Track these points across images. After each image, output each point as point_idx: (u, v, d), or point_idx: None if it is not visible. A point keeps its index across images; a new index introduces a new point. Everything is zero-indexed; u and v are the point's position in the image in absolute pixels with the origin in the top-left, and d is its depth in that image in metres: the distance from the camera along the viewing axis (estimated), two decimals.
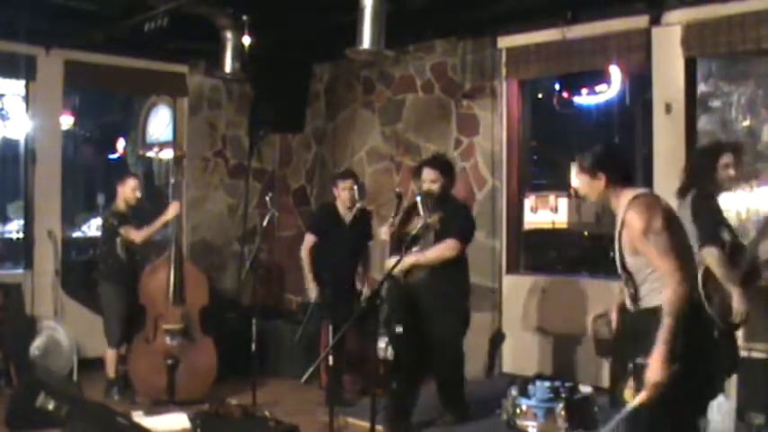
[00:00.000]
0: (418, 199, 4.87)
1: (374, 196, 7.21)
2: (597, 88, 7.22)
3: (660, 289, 3.15)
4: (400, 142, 7.70)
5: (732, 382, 4.68)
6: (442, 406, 5.48)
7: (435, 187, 5.15)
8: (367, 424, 4.31)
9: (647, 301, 3.22)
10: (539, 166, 9.35)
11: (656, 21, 6.04)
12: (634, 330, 3.32)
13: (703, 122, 6.38)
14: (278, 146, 8.85)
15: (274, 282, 8.48)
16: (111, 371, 6.23)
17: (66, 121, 9.48)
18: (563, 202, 9.50)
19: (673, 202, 3.44)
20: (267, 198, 6.37)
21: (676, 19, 5.95)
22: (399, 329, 4.74)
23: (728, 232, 4.45)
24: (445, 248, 5.10)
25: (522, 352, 6.82)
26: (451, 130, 7.32)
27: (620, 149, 3.50)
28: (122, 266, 6.25)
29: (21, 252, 7.55)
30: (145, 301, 6.20)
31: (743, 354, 4.70)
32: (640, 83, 7.06)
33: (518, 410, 4.95)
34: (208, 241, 8.30)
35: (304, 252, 6.23)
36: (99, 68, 7.51)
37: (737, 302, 4.23)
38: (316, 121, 8.46)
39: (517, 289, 6.93)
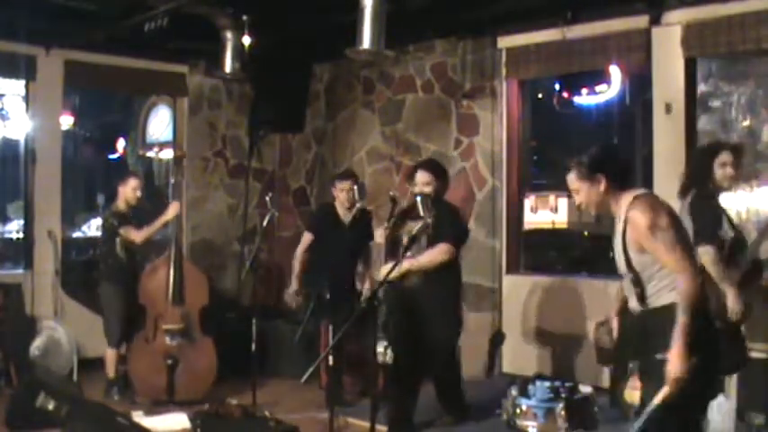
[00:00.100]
0: (418, 199, 4.86)
1: (374, 196, 7.21)
2: (597, 88, 7.22)
3: (669, 287, 3.16)
4: (400, 142, 7.70)
5: (732, 382, 4.68)
6: (442, 408, 5.48)
7: (428, 190, 5.13)
8: (367, 424, 4.31)
9: (656, 300, 3.22)
10: (539, 166, 9.35)
11: (656, 21, 6.04)
12: (643, 330, 3.30)
13: (703, 122, 6.39)
14: (278, 146, 8.85)
15: (274, 282, 8.47)
16: (111, 371, 6.23)
17: (66, 121, 9.48)
18: (563, 202, 9.50)
19: (673, 203, 3.44)
20: (267, 198, 6.37)
21: (676, 19, 5.95)
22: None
23: (732, 229, 4.45)
24: (438, 253, 5.09)
25: (522, 352, 6.82)
26: (451, 130, 7.32)
27: (615, 149, 3.50)
28: (122, 266, 6.25)
29: (21, 252, 7.56)
30: (145, 300, 6.20)
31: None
32: (640, 83, 7.06)
33: (518, 410, 4.95)
34: (208, 241, 8.30)
35: (299, 250, 6.31)
36: (99, 68, 7.51)
37: (732, 302, 4.23)
38: (316, 121, 8.46)
39: (517, 289, 6.93)
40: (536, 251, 7.82)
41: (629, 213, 3.21)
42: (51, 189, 7.33)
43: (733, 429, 4.71)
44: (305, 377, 4.45)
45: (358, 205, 6.17)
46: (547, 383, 4.99)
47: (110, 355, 6.22)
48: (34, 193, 7.26)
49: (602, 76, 7.07)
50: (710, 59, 6.27)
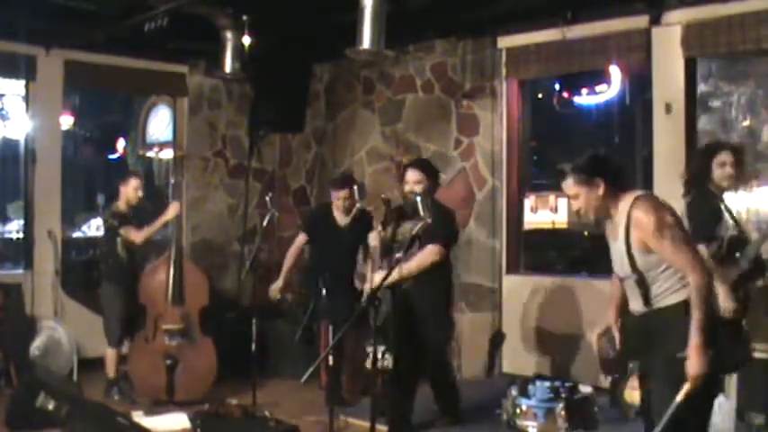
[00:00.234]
0: (418, 199, 4.84)
1: (374, 196, 7.20)
2: (597, 88, 7.22)
3: (674, 287, 3.17)
4: (400, 142, 7.70)
5: (732, 382, 4.67)
6: (439, 409, 5.47)
7: (419, 189, 5.07)
8: (367, 424, 4.31)
9: (662, 300, 3.22)
10: (539, 166, 9.33)
11: (656, 21, 6.04)
12: (645, 330, 3.30)
13: (703, 122, 6.39)
14: (278, 146, 8.85)
15: (274, 282, 8.47)
16: (111, 371, 6.23)
17: (66, 121, 9.47)
18: (563, 202, 9.48)
19: (674, 203, 3.44)
20: (267, 198, 6.37)
21: (676, 19, 5.95)
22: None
23: (733, 228, 4.45)
24: (428, 255, 5.05)
25: (522, 352, 6.82)
26: (451, 130, 7.32)
27: (608, 154, 3.53)
28: (123, 266, 6.25)
29: (21, 252, 7.56)
30: (145, 300, 6.20)
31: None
32: (640, 83, 7.06)
33: (518, 410, 4.95)
34: (208, 241, 8.30)
35: (291, 249, 6.35)
36: (99, 68, 7.51)
37: (723, 300, 4.23)
38: (316, 121, 8.45)
39: (517, 289, 6.93)
40: (536, 251, 7.81)
41: (632, 214, 3.21)
42: (51, 189, 7.32)
43: (733, 429, 4.70)
44: (305, 377, 4.45)
45: (358, 205, 6.16)
46: (547, 383, 4.99)
47: (110, 354, 6.22)
48: (34, 193, 7.26)
49: (602, 76, 7.07)
50: (710, 59, 6.28)
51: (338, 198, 6.12)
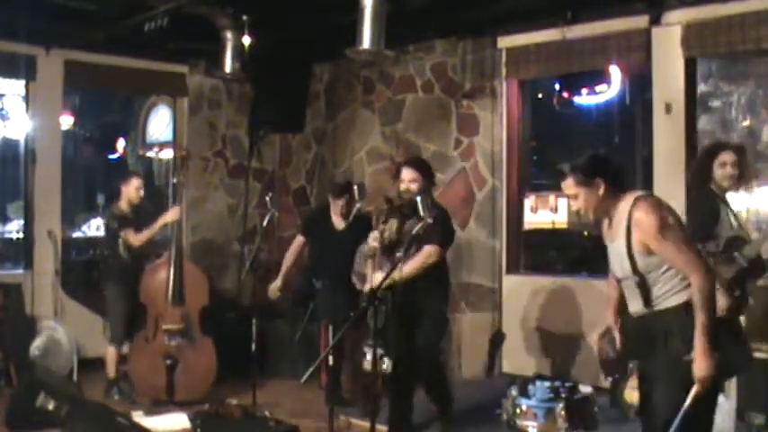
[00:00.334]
0: (418, 199, 4.82)
1: (374, 196, 7.20)
2: (597, 88, 7.22)
3: (675, 289, 3.16)
4: (400, 142, 7.69)
5: (732, 383, 4.68)
6: (438, 411, 5.45)
7: (414, 187, 5.06)
8: (367, 424, 4.31)
9: (663, 302, 3.20)
10: (539, 166, 9.34)
11: (656, 21, 6.04)
12: (646, 331, 3.28)
13: (703, 122, 6.39)
14: (278, 146, 8.85)
15: (273, 282, 8.48)
16: (111, 370, 6.23)
17: (66, 121, 9.48)
18: (563, 202, 9.48)
19: (672, 203, 3.43)
20: (267, 198, 6.38)
21: (676, 19, 5.95)
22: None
23: (735, 227, 4.45)
24: (425, 257, 5.03)
25: (522, 352, 6.82)
26: (451, 130, 7.32)
27: (608, 154, 3.52)
28: (125, 267, 6.26)
29: (21, 252, 7.56)
30: (145, 300, 6.21)
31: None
32: (640, 83, 7.06)
33: (518, 410, 4.94)
34: (208, 241, 8.30)
35: (290, 250, 6.43)
36: (99, 68, 7.51)
37: (718, 297, 4.22)
38: (316, 121, 8.45)
39: (517, 289, 6.93)
40: (536, 251, 7.82)
41: (633, 215, 3.18)
42: (51, 189, 7.33)
43: (733, 429, 4.71)
44: (305, 377, 4.45)
45: (358, 205, 6.17)
46: (547, 383, 4.98)
47: (111, 353, 6.22)
48: (34, 193, 7.26)
49: (602, 76, 7.06)
50: (710, 59, 6.28)
51: (335, 205, 6.16)
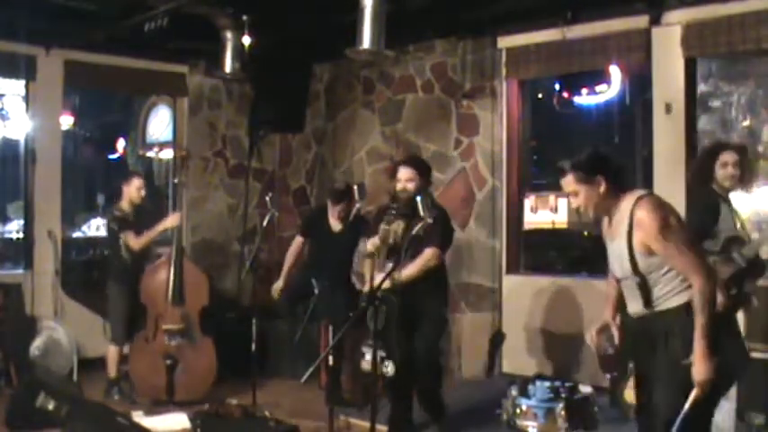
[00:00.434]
0: (418, 199, 4.82)
1: (374, 196, 7.21)
2: (597, 88, 7.22)
3: (676, 290, 3.14)
4: (400, 142, 7.70)
5: None
6: (431, 419, 5.41)
7: (411, 187, 5.01)
8: (367, 424, 4.31)
9: (663, 303, 3.18)
10: (539, 166, 9.34)
11: (656, 21, 6.04)
12: (646, 332, 3.27)
13: (703, 122, 6.38)
14: (278, 146, 8.85)
15: (274, 282, 8.48)
16: (112, 370, 6.23)
17: (66, 121, 9.47)
18: (563, 202, 9.48)
19: (673, 203, 3.43)
20: (267, 198, 6.38)
21: (676, 19, 5.95)
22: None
23: (736, 227, 4.45)
24: (427, 259, 5.00)
25: (522, 352, 6.82)
26: (451, 130, 7.32)
27: (608, 150, 3.48)
28: (127, 268, 6.26)
29: (21, 252, 7.55)
30: (145, 300, 6.20)
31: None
32: (640, 83, 7.06)
33: (518, 410, 4.93)
34: (208, 241, 8.30)
35: (290, 251, 6.49)
36: (99, 68, 7.51)
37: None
38: (316, 121, 8.46)
39: (517, 289, 6.93)
40: (536, 251, 7.81)
41: (635, 215, 3.15)
42: (51, 189, 7.33)
43: (733, 429, 4.71)
44: (305, 377, 4.45)
45: (358, 205, 6.17)
46: (547, 383, 4.98)
47: (112, 352, 6.22)
48: (34, 193, 7.26)
49: (602, 76, 7.07)
50: (710, 59, 6.27)
51: (334, 209, 6.20)
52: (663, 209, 3.16)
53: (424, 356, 5.20)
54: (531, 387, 4.96)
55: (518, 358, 6.84)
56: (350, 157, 8.12)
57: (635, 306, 3.30)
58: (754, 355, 4.70)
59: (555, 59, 6.61)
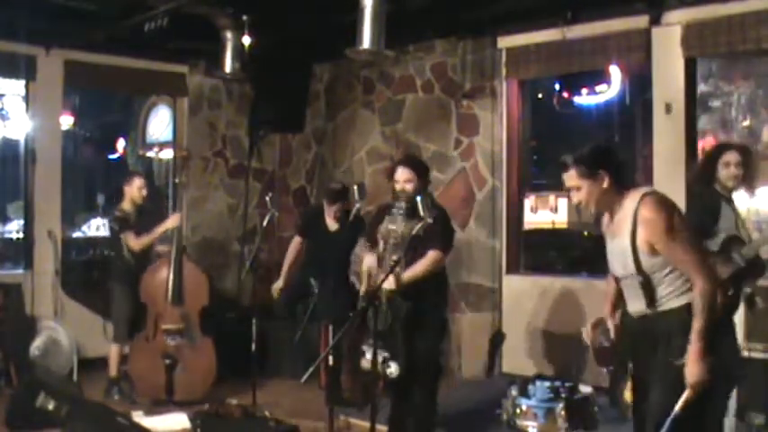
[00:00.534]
0: (418, 199, 4.81)
1: (374, 196, 7.20)
2: (597, 88, 7.23)
3: (679, 290, 3.12)
4: (400, 142, 7.70)
5: None
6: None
7: (409, 188, 4.96)
8: (367, 424, 4.31)
9: (666, 303, 3.15)
10: (539, 166, 9.34)
11: (656, 21, 6.04)
12: (648, 332, 3.24)
13: (703, 122, 6.39)
14: (278, 146, 8.85)
15: (274, 282, 8.48)
16: (113, 369, 6.23)
17: (66, 121, 9.47)
18: (563, 202, 9.49)
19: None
20: (267, 198, 6.37)
21: (676, 19, 5.95)
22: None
23: (736, 228, 4.45)
24: (431, 262, 4.96)
25: (522, 352, 6.82)
26: (451, 130, 7.32)
27: (610, 145, 3.43)
28: (130, 268, 6.27)
29: (21, 252, 7.55)
30: (146, 300, 6.21)
31: (744, 354, 4.70)
32: (640, 83, 7.06)
33: (518, 410, 4.94)
34: (208, 241, 8.30)
35: (289, 250, 6.53)
36: (99, 68, 7.51)
37: None
38: (316, 121, 8.46)
39: (517, 289, 6.93)
40: (536, 251, 7.82)
41: (640, 213, 3.10)
42: (51, 189, 7.33)
43: (733, 429, 4.70)
44: (305, 377, 4.44)
45: (358, 205, 6.15)
46: (547, 383, 4.98)
47: (114, 352, 6.23)
48: (34, 193, 7.26)
49: (602, 76, 7.07)
50: (710, 59, 6.28)
51: (330, 209, 6.24)
52: (668, 208, 3.11)
53: (424, 357, 5.20)
54: (531, 387, 4.96)
55: (518, 358, 6.84)
56: (350, 157, 8.12)
57: (637, 305, 3.26)
58: (754, 355, 4.71)
59: (555, 59, 6.61)
